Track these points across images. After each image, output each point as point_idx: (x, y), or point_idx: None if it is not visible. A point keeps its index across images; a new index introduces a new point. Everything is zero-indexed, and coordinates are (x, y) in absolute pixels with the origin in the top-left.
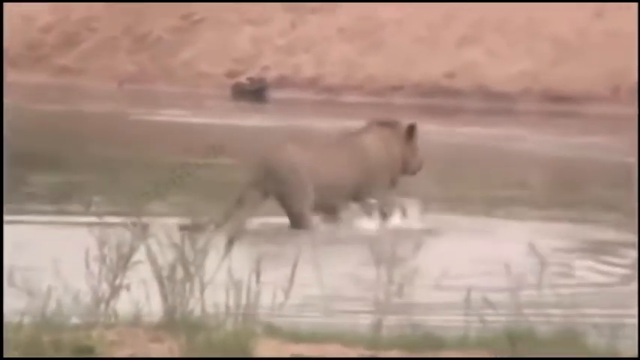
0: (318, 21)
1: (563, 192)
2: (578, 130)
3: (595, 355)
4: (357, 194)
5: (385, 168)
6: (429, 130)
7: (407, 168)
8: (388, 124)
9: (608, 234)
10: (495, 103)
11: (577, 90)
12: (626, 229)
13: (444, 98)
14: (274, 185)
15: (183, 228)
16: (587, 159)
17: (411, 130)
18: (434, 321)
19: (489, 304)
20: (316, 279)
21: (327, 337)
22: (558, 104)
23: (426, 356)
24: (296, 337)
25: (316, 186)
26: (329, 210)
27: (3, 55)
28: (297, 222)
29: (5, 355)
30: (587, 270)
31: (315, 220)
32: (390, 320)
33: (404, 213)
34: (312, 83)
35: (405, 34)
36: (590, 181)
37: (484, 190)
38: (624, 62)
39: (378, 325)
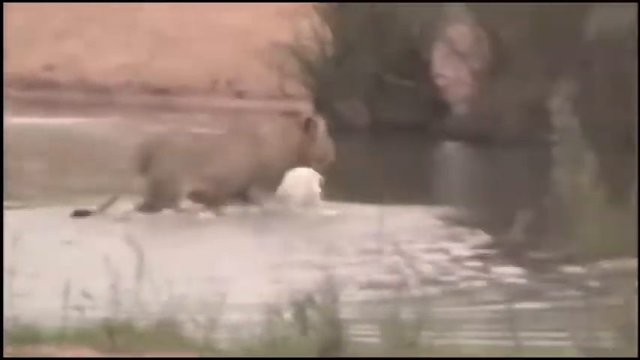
0: None
1: None
2: (178, 121)
3: (192, 347)
4: (250, 183)
5: (280, 158)
6: (34, 123)
7: (306, 159)
8: (291, 114)
9: None
10: (96, 96)
11: (177, 82)
12: None
13: (43, 91)
14: (151, 168)
15: (76, 214)
16: None
17: (307, 122)
18: (32, 314)
19: (88, 297)
20: None
21: None
22: (159, 96)
23: (24, 351)
24: None
25: (205, 176)
26: (214, 200)
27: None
28: (151, 208)
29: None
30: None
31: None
32: None
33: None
34: None
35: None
36: None
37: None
38: (222, 55)
39: None
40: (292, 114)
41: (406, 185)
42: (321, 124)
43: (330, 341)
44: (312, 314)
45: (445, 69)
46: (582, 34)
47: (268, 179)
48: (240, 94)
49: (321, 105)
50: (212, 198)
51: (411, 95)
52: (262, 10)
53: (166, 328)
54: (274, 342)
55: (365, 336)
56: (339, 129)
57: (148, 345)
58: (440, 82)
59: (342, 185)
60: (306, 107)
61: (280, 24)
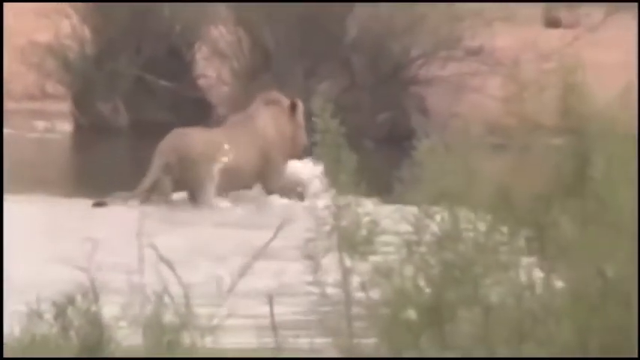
0: None
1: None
2: None
3: None
4: (257, 177)
5: (279, 149)
6: None
7: (294, 147)
8: (275, 102)
9: None
10: None
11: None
12: None
13: None
14: (184, 172)
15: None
16: None
17: (293, 107)
18: None
19: None
20: None
21: None
22: None
23: None
24: None
25: (224, 170)
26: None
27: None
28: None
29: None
30: None
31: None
32: None
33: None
34: None
35: None
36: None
37: None
38: None
39: None
40: (274, 101)
41: None
42: (301, 107)
43: (90, 342)
44: (72, 315)
45: (207, 69)
46: (344, 36)
47: (269, 173)
48: None
49: (80, 104)
50: (221, 189)
51: (172, 96)
52: (20, 9)
53: None
54: (33, 342)
55: (127, 337)
56: (98, 129)
57: None
58: (201, 82)
59: (98, 183)
60: (276, 92)
61: (39, 23)
